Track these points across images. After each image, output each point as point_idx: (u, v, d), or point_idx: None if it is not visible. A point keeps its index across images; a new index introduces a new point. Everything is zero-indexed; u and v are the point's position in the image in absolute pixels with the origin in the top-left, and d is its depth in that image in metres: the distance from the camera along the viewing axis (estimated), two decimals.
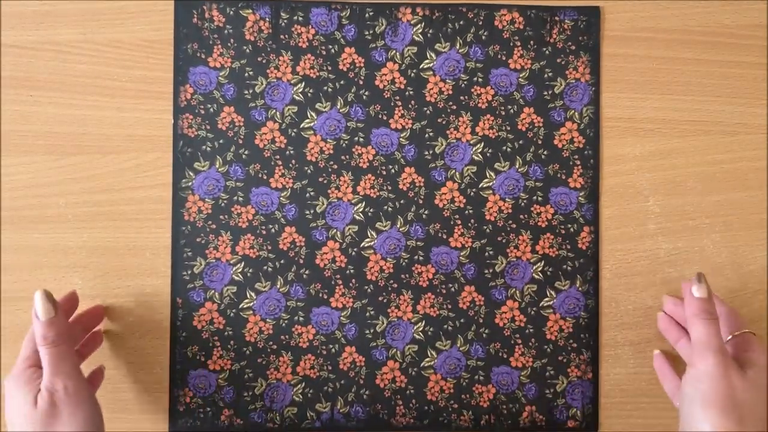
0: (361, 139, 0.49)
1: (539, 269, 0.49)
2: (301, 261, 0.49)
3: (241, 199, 0.49)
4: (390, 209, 0.49)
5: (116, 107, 0.49)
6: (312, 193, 0.49)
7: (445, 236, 0.49)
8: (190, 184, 0.49)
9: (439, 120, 0.49)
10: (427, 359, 0.49)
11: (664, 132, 0.50)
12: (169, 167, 0.49)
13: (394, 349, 0.49)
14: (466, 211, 0.49)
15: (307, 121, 0.49)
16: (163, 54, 0.49)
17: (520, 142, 0.49)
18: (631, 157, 0.49)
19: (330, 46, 0.49)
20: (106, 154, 0.49)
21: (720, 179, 0.50)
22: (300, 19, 0.49)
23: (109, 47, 0.49)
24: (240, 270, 0.49)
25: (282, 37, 0.49)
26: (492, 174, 0.49)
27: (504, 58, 0.49)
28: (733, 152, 0.50)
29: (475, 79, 0.49)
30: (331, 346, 0.49)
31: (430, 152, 0.49)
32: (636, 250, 0.49)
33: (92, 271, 0.49)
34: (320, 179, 0.49)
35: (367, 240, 0.49)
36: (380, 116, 0.49)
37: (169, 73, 0.49)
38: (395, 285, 0.49)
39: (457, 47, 0.49)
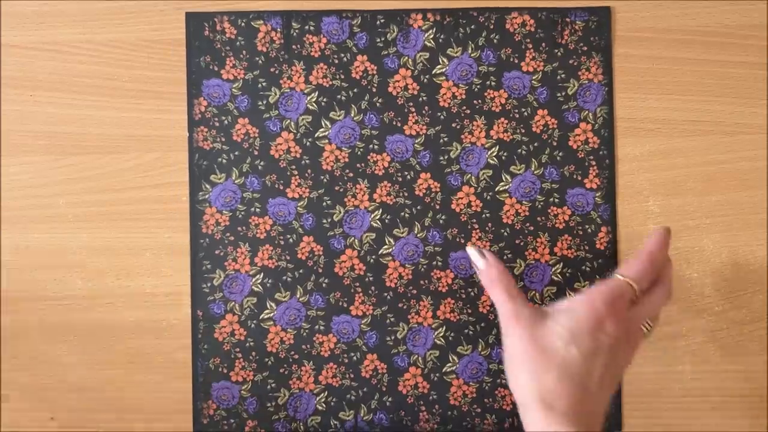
0: (376, 147, 0.49)
1: (558, 271, 0.49)
2: (320, 270, 0.49)
3: (258, 210, 0.49)
4: (407, 215, 0.49)
5: (116, 107, 0.49)
6: (328, 202, 0.49)
7: (462, 241, 0.49)
8: (207, 196, 0.49)
9: (454, 125, 0.49)
10: (449, 364, 0.49)
11: (664, 132, 0.50)
12: (170, 167, 0.49)
13: (416, 356, 0.49)
14: (483, 215, 0.49)
15: (322, 130, 0.49)
16: (164, 54, 0.49)
17: (535, 144, 0.49)
18: (631, 157, 0.49)
19: (342, 55, 0.49)
20: (107, 154, 0.49)
21: (720, 179, 0.49)
22: (311, 28, 0.49)
23: (109, 47, 0.49)
24: (259, 281, 0.49)
25: (294, 47, 0.49)
26: (508, 177, 0.49)
27: (516, 61, 0.49)
28: (733, 152, 0.49)
29: (488, 82, 0.49)
30: (352, 354, 0.49)
31: (446, 157, 0.49)
32: (636, 250, 0.49)
33: (92, 271, 0.49)
34: (336, 188, 0.49)
35: (385, 247, 0.49)
36: (394, 123, 0.49)
37: (169, 73, 0.49)
38: (414, 291, 0.49)
39: (469, 51, 0.49)
